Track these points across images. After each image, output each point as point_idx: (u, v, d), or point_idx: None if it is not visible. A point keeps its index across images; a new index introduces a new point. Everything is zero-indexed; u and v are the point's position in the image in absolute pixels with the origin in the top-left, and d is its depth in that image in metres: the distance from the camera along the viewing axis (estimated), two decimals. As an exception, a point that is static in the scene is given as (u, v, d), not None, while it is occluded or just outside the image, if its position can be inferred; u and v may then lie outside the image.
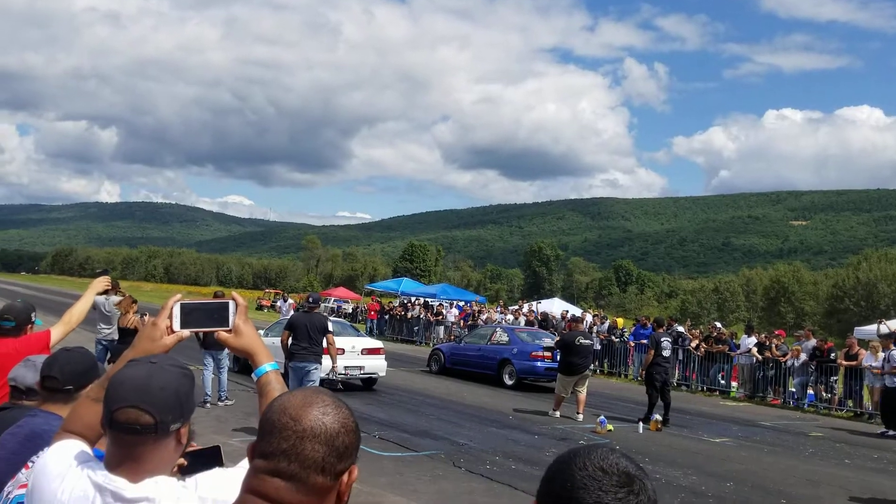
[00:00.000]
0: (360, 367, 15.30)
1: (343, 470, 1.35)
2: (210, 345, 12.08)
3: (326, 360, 11.42)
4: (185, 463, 2.03)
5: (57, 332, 4.18)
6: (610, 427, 12.54)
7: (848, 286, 74.78)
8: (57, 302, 37.04)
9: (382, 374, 15.99)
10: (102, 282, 4.36)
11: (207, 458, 2.06)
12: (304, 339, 10.75)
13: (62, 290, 71.97)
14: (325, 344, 10.95)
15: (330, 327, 11.12)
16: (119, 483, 1.60)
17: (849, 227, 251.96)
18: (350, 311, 46.17)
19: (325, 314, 11.86)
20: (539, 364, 17.62)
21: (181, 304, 1.87)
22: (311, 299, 11.70)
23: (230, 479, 1.70)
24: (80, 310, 4.29)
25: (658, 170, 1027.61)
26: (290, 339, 10.85)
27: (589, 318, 25.09)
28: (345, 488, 1.37)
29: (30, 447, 2.37)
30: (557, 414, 13.75)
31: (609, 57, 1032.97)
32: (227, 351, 12.46)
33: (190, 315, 1.87)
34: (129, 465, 1.62)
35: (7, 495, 1.94)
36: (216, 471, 1.81)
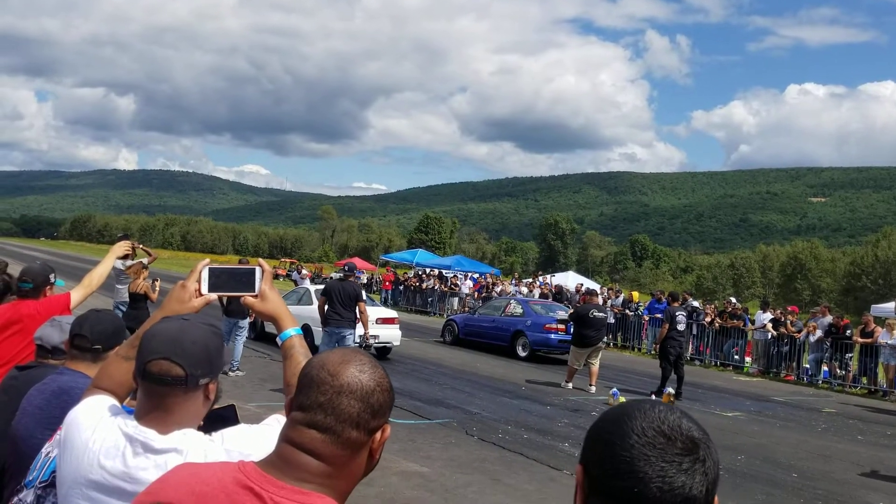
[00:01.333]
0: (375, 337, 15.41)
1: (376, 427, 1.39)
2: (232, 312, 12.21)
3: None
4: (202, 423, 2.09)
5: (77, 295, 4.25)
6: (622, 399, 12.57)
7: (866, 264, 74.13)
8: (75, 267, 37.42)
9: (397, 343, 16.13)
10: (123, 246, 4.43)
11: (223, 418, 2.12)
12: (339, 305, 11.32)
13: (80, 255, 72.69)
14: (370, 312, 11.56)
15: (363, 296, 11.52)
16: (149, 434, 1.67)
17: (868, 204, 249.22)
18: (365, 281, 46.40)
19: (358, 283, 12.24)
20: (553, 336, 17.68)
21: (210, 268, 1.92)
22: (346, 268, 12.44)
23: (255, 434, 1.77)
24: (99, 273, 4.35)
25: (677, 144, 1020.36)
26: (326, 305, 11.46)
27: (604, 291, 25.08)
28: (377, 446, 1.41)
29: (56, 403, 2.44)
30: (570, 385, 13.82)
31: (630, 28, 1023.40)
32: (248, 320, 12.67)
33: (218, 279, 1.92)
34: (159, 415, 1.70)
35: (48, 455, 2.01)
36: (241, 426, 1.86)
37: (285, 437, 1.39)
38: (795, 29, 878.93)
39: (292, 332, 1.95)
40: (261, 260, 2.03)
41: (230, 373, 12.43)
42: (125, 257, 4.48)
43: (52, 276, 4.37)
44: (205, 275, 1.91)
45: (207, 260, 1.98)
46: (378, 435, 1.41)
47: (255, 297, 1.94)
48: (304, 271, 40.41)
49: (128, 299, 12.53)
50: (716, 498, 1.12)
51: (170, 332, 1.71)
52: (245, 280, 1.94)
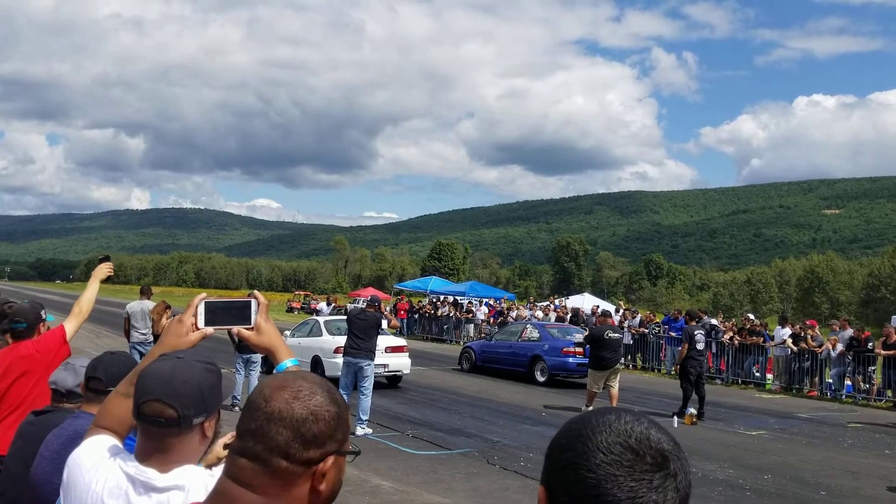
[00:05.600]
0: (385, 366, 15.31)
1: (312, 458, 1.31)
2: (244, 348, 12.23)
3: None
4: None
5: (70, 326, 4.20)
6: (644, 421, 12.43)
7: (884, 274, 73.55)
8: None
9: (407, 371, 16.11)
10: (104, 268, 4.38)
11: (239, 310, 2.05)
12: (357, 336, 11.29)
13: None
14: (378, 340, 11.67)
15: (384, 325, 11.65)
16: (150, 473, 1.70)
17: (883, 214, 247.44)
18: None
19: (380, 314, 12.32)
20: (571, 360, 17.53)
21: (205, 302, 1.94)
22: (370, 299, 12.54)
23: None
24: (87, 299, 4.31)
25: (688, 161, 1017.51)
26: (346, 336, 11.53)
27: (621, 311, 24.89)
28: (318, 479, 1.33)
29: (73, 448, 2.42)
30: (590, 409, 13.66)
31: (636, 47, 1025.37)
32: (260, 354, 12.65)
33: (214, 313, 1.93)
34: (158, 455, 1.72)
35: None
36: None
37: (224, 469, 1.37)
38: (803, 40, 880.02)
39: (288, 363, 1.93)
40: (256, 292, 2.02)
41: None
42: (108, 279, 4.46)
43: (43, 313, 4.32)
44: (201, 309, 1.92)
45: (204, 294, 1.98)
46: (321, 466, 1.32)
47: (251, 329, 1.94)
48: (322, 304, 40.47)
49: (144, 340, 12.66)
50: None
51: (162, 373, 1.72)
52: (241, 313, 1.95)
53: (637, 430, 1.03)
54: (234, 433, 2.29)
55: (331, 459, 1.33)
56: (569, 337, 18.38)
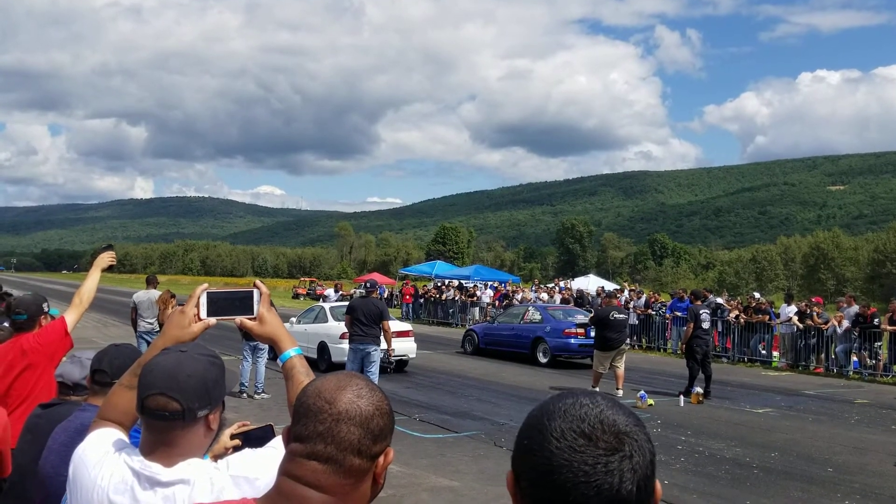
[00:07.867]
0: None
1: (378, 452, 1.37)
2: (251, 335, 12.25)
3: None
4: (240, 443, 2.09)
5: (71, 317, 4.18)
6: (651, 402, 12.48)
7: (889, 250, 73.32)
8: (98, 297, 37.70)
9: (413, 355, 16.17)
10: (106, 257, 4.37)
11: (261, 438, 2.12)
12: (362, 322, 11.30)
13: (101, 285, 73.27)
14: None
15: (388, 314, 11.60)
16: (154, 468, 1.69)
17: (888, 189, 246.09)
18: (386, 295, 46.44)
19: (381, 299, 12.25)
20: (572, 341, 17.59)
21: (207, 292, 1.93)
22: (368, 284, 12.41)
23: (260, 457, 1.78)
24: (88, 288, 4.31)
25: (693, 139, 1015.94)
26: (351, 322, 11.48)
27: (626, 293, 24.90)
28: (380, 470, 1.38)
29: (80, 440, 2.43)
30: (597, 390, 13.69)
31: (640, 25, 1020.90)
32: None
33: (216, 303, 1.93)
34: (163, 449, 1.71)
35: None
36: (245, 451, 1.88)
37: (284, 471, 1.37)
38: (807, 15, 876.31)
39: (292, 352, 1.95)
40: (258, 282, 2.02)
41: (255, 396, 12.47)
42: (110, 268, 4.45)
43: (45, 306, 4.30)
44: (203, 300, 1.91)
45: (205, 285, 1.98)
46: (381, 459, 1.38)
47: (254, 319, 1.94)
48: (329, 290, 40.54)
49: (151, 330, 12.70)
50: (657, 484, 1.05)
51: (166, 366, 1.72)
52: (243, 303, 1.95)
53: (591, 414, 1.04)
54: (241, 423, 2.32)
55: (391, 451, 1.40)
56: (570, 318, 18.42)
